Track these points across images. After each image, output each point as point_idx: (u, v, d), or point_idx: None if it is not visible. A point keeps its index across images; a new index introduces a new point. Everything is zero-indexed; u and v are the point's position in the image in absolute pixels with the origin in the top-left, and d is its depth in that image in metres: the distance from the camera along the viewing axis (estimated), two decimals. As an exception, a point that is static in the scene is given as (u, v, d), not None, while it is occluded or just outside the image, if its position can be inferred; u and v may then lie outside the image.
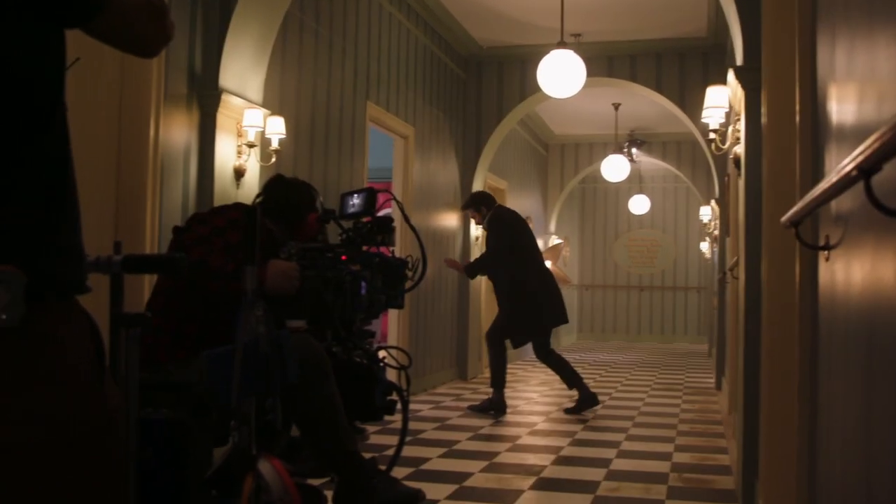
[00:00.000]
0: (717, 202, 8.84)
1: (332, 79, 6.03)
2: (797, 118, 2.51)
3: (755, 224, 3.67)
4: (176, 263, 1.79)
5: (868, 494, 1.51)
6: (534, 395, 7.93)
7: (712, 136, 5.50)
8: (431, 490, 3.79)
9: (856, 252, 1.69)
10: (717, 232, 9.31)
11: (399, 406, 3.18)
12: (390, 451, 3.75)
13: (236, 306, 2.10)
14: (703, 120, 5.62)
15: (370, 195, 3.08)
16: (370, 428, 4.51)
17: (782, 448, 2.93)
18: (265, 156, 4.83)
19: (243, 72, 4.65)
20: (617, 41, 8.84)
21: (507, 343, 6.68)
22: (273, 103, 5.08)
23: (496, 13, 8.20)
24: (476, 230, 9.33)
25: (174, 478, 1.95)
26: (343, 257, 3.01)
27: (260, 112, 4.67)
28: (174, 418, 2.00)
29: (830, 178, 1.48)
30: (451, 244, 8.86)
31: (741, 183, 4.18)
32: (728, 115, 5.43)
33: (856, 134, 1.70)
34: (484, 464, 4.64)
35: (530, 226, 7.19)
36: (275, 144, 4.85)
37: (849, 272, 1.77)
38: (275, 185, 3.15)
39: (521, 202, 11.48)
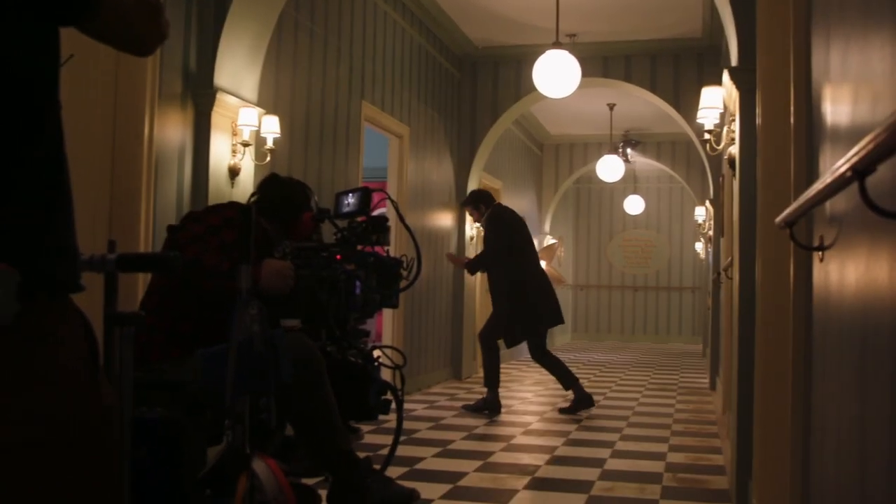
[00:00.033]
0: (712, 202, 8.86)
1: (326, 78, 6.03)
2: (792, 119, 2.51)
3: (749, 224, 3.68)
4: (170, 262, 1.78)
5: (862, 495, 1.51)
6: (528, 394, 7.94)
7: (707, 136, 5.51)
8: (426, 490, 3.79)
9: (850, 253, 1.70)
10: (711, 232, 9.32)
11: (393, 405, 3.18)
12: (385, 451, 3.75)
13: (231, 305, 2.10)
14: (698, 121, 5.63)
15: (365, 194, 3.08)
16: (364, 427, 4.51)
17: (776, 448, 2.94)
18: (260, 155, 4.82)
19: (238, 70, 4.64)
20: (612, 41, 8.86)
21: (500, 343, 6.68)
22: (268, 102, 5.08)
23: (491, 13, 8.21)
24: (471, 229, 9.33)
25: (168, 477, 1.95)
26: (338, 256, 3.01)
27: (255, 111, 4.67)
28: (168, 417, 1.99)
29: (825, 179, 1.49)
30: (446, 244, 8.86)
31: (735, 183, 4.19)
32: (723, 115, 5.43)
33: (850, 135, 1.71)
34: (478, 463, 4.64)
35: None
36: (269, 143, 4.85)
37: (843, 273, 1.77)
38: (270, 184, 3.15)
39: (515, 202, 11.48)
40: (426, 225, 8.21)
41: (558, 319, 6.64)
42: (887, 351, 1.33)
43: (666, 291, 16.34)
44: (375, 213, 3.16)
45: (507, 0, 7.84)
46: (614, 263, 16.70)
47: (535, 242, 9.29)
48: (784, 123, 2.70)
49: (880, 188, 1.30)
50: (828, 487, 1.92)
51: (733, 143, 4.42)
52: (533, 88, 7.40)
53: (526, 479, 4.30)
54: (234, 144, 4.61)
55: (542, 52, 6.67)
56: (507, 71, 9.32)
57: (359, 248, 3.11)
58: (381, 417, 3.18)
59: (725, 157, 5.05)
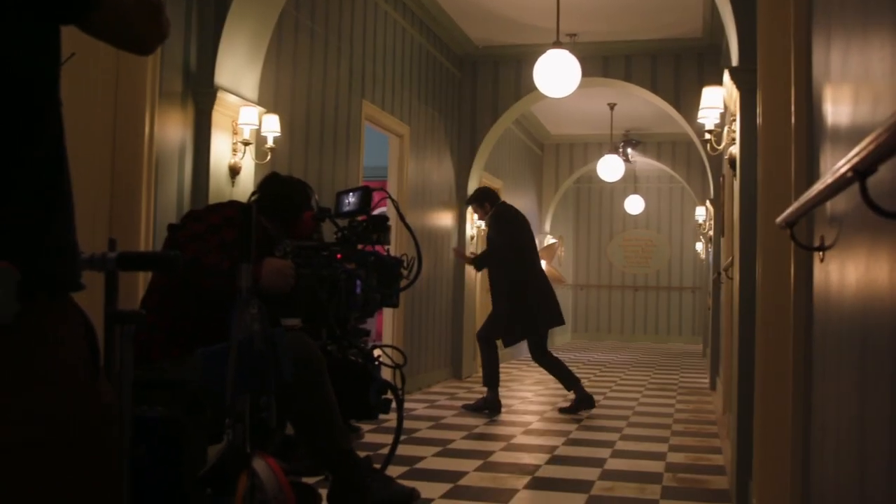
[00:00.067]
0: (712, 202, 8.86)
1: (327, 77, 6.03)
2: (792, 119, 2.51)
3: (750, 225, 3.68)
4: (171, 261, 1.78)
5: (862, 495, 1.51)
6: (528, 394, 7.94)
7: (707, 136, 5.51)
8: (426, 489, 3.79)
9: (850, 253, 1.70)
10: (711, 232, 9.32)
11: (394, 405, 3.18)
12: (385, 450, 3.75)
13: (231, 304, 2.10)
14: (699, 120, 5.62)
15: (365, 194, 3.08)
16: (365, 426, 4.51)
17: (776, 448, 2.94)
18: (260, 154, 4.82)
19: (239, 69, 4.64)
20: (612, 41, 8.85)
21: (499, 342, 6.68)
22: (268, 101, 5.08)
23: (492, 13, 8.21)
24: (471, 228, 9.33)
25: (168, 475, 1.95)
26: (338, 256, 3.01)
27: (255, 110, 4.67)
28: (169, 416, 1.99)
29: (825, 180, 1.49)
30: (447, 243, 8.86)
31: (736, 183, 4.19)
32: (723, 115, 5.43)
33: (851, 135, 1.71)
34: (478, 463, 4.64)
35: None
36: (270, 142, 4.85)
37: (843, 273, 1.77)
38: (270, 183, 3.15)
39: (516, 201, 11.43)
40: (426, 224, 8.20)
41: (558, 320, 6.63)
42: (887, 351, 1.33)
43: (666, 291, 16.34)
44: (376, 212, 3.16)
45: (508, 0, 7.84)
46: (614, 263, 16.70)
47: (536, 242, 9.29)
48: (785, 123, 2.70)
49: (881, 188, 1.30)
50: (828, 487, 1.92)
51: (734, 143, 4.41)
52: (533, 88, 7.40)
53: (526, 479, 4.30)
54: (234, 143, 4.61)
55: (543, 51, 6.67)
56: (507, 70, 9.32)
57: (359, 247, 3.11)
58: (382, 416, 3.18)
59: (726, 157, 5.05)
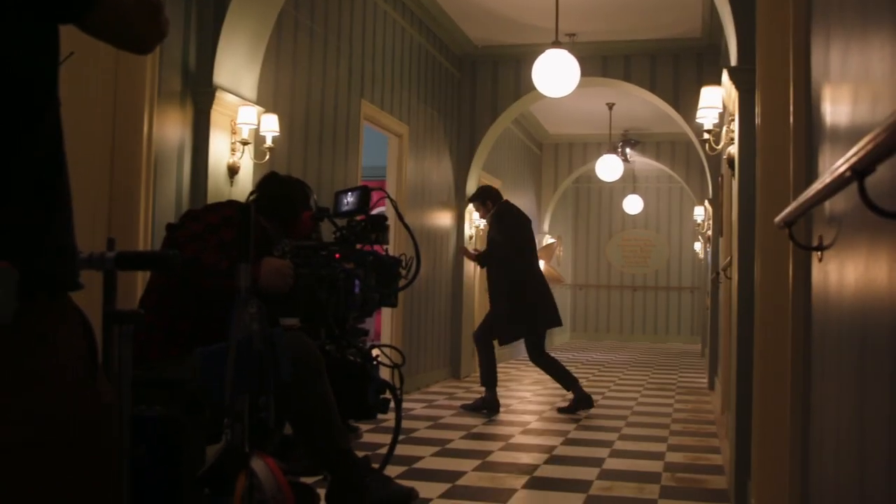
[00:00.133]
0: (711, 202, 8.86)
1: (326, 77, 6.03)
2: (791, 119, 2.52)
3: (748, 224, 3.68)
4: (169, 260, 1.78)
5: (861, 495, 1.51)
6: (527, 394, 7.94)
7: (706, 136, 5.51)
8: (424, 489, 3.79)
9: (849, 253, 1.70)
10: (710, 232, 9.32)
11: (392, 404, 3.18)
12: (383, 450, 3.75)
13: (230, 304, 2.10)
14: (698, 120, 5.63)
15: (364, 193, 3.08)
16: (363, 426, 4.51)
17: (775, 448, 2.94)
18: (259, 153, 4.82)
19: (238, 69, 4.64)
20: (611, 41, 8.85)
21: (495, 341, 6.69)
22: (267, 101, 5.08)
23: (491, 12, 8.20)
24: (470, 228, 9.33)
25: (167, 475, 1.95)
26: (337, 255, 3.01)
27: (254, 109, 4.67)
28: (167, 415, 1.99)
29: (824, 179, 1.49)
30: (446, 243, 8.86)
31: (735, 183, 4.19)
32: (722, 115, 5.43)
33: (849, 135, 1.71)
34: (477, 462, 4.64)
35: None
36: (269, 142, 4.85)
37: (842, 273, 1.77)
38: (269, 183, 3.14)
39: (515, 201, 11.42)
40: (425, 224, 8.20)
41: (556, 321, 6.64)
42: (886, 351, 1.33)
43: (665, 291, 16.35)
44: (374, 211, 3.16)
45: (507, 0, 7.84)
46: (613, 263, 16.70)
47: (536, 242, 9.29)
48: (783, 123, 2.70)
49: (879, 188, 1.30)
50: (827, 487, 1.92)
51: (732, 143, 4.42)
52: (532, 88, 7.40)
53: (524, 479, 4.30)
54: (233, 143, 4.61)
55: (542, 51, 6.67)
56: (506, 70, 9.32)
57: (358, 246, 3.11)
58: (380, 416, 3.18)
59: (725, 156, 5.05)
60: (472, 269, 9.46)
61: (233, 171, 4.60)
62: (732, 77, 3.97)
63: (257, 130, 4.75)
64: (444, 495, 3.87)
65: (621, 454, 5.01)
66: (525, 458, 4.84)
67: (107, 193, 3.61)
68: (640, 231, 16.57)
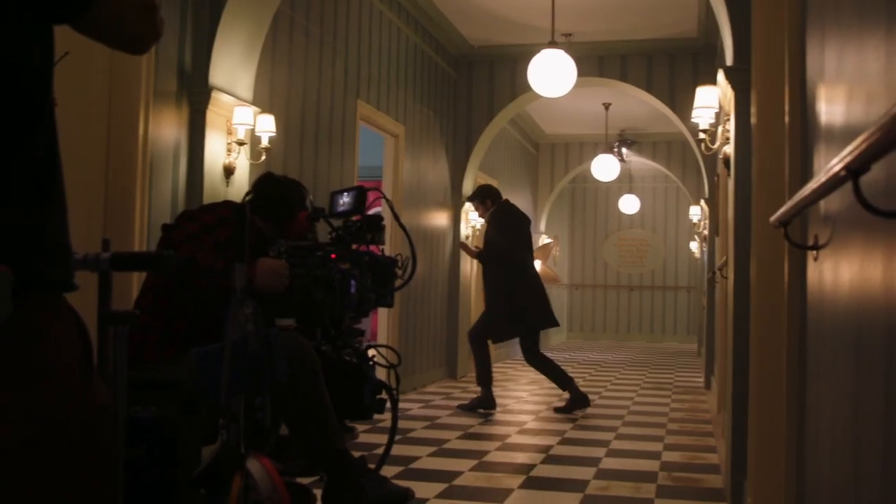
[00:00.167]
0: (707, 202, 8.86)
1: (322, 77, 6.02)
2: (786, 118, 2.52)
3: (744, 224, 3.68)
4: (164, 261, 1.78)
5: (856, 493, 1.52)
6: (523, 393, 7.94)
7: (702, 136, 5.51)
8: (421, 489, 3.79)
9: (844, 252, 1.70)
10: (706, 231, 9.33)
11: (388, 405, 3.18)
12: (380, 450, 3.75)
13: (225, 304, 2.09)
14: (693, 120, 5.63)
15: (360, 193, 3.08)
16: (359, 426, 4.51)
17: (771, 447, 2.94)
18: (255, 153, 4.82)
19: (233, 69, 4.64)
20: (607, 41, 8.86)
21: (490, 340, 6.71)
22: (263, 101, 5.07)
23: (487, 12, 8.20)
24: (466, 228, 9.33)
25: (163, 476, 1.95)
26: (333, 255, 3.01)
27: (250, 110, 4.66)
28: (163, 416, 1.99)
29: (819, 179, 1.49)
30: (442, 243, 8.86)
31: (730, 183, 4.19)
32: (718, 115, 5.44)
33: (844, 134, 1.71)
34: (473, 462, 4.64)
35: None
36: (265, 142, 4.84)
37: (837, 272, 1.78)
38: (264, 183, 3.14)
39: (512, 201, 11.48)
40: (421, 224, 8.20)
41: (552, 322, 6.65)
42: (881, 350, 1.34)
43: (661, 291, 16.36)
44: (370, 212, 3.16)
45: (503, 0, 7.85)
46: (609, 263, 16.71)
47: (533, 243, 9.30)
48: (779, 123, 2.70)
49: (874, 187, 1.30)
50: (822, 486, 1.93)
51: (728, 143, 4.42)
52: (528, 88, 7.40)
53: (521, 479, 4.30)
54: (229, 143, 4.60)
55: (538, 51, 6.67)
56: (502, 70, 9.32)
57: (354, 247, 3.11)
58: (376, 416, 3.18)
59: (720, 156, 5.06)
60: (468, 270, 9.46)
61: (229, 171, 4.59)
62: (728, 77, 3.97)
63: (253, 131, 4.75)
64: (441, 495, 3.87)
65: (618, 453, 5.01)
66: (521, 458, 4.84)
67: (102, 194, 3.60)
68: (636, 231, 16.58)
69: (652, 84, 8.96)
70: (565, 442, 5.40)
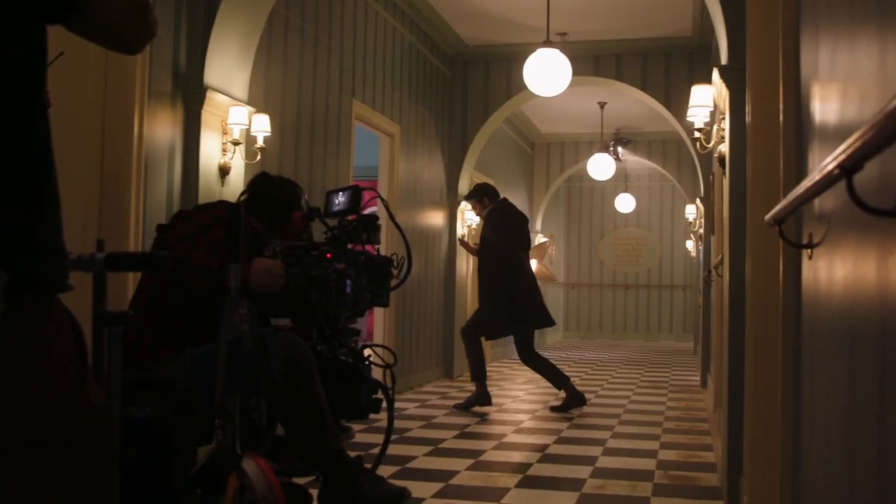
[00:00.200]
0: (703, 201, 8.88)
1: (317, 76, 6.02)
2: (781, 117, 2.52)
3: (739, 222, 3.69)
4: (159, 261, 1.78)
5: (851, 491, 1.52)
6: (520, 392, 7.95)
7: (697, 134, 5.52)
8: (417, 488, 3.79)
9: (838, 250, 1.70)
10: (702, 230, 9.35)
11: (384, 404, 3.18)
12: (376, 450, 3.75)
13: (220, 304, 2.09)
14: (688, 119, 5.64)
15: (355, 193, 3.08)
16: (355, 426, 4.51)
17: (766, 445, 2.95)
18: (250, 153, 4.81)
19: (228, 69, 4.63)
20: (603, 40, 8.87)
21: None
22: (258, 101, 5.07)
23: (482, 12, 8.21)
24: (462, 228, 9.33)
25: (158, 476, 1.94)
26: (328, 255, 3.00)
27: (245, 109, 4.66)
28: (158, 416, 1.99)
29: (813, 177, 1.49)
30: (438, 242, 8.86)
31: (725, 181, 4.20)
32: (713, 114, 5.45)
33: (838, 133, 1.71)
34: (470, 462, 4.64)
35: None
36: (260, 142, 4.84)
37: (831, 270, 1.78)
38: (260, 183, 3.14)
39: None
40: (417, 223, 8.20)
41: (548, 321, 6.65)
42: (875, 349, 1.34)
43: (657, 289, 16.38)
44: (366, 211, 3.16)
45: (498, -2, 7.85)
46: (605, 262, 16.73)
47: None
48: (773, 121, 2.71)
49: (868, 186, 1.30)
50: (818, 483, 1.93)
51: (723, 142, 4.43)
52: (524, 87, 7.40)
53: (517, 478, 4.30)
54: (224, 143, 4.60)
55: (533, 50, 6.68)
56: (497, 69, 9.32)
57: (349, 246, 3.11)
58: (373, 416, 3.18)
59: (715, 155, 5.06)
60: (464, 269, 9.47)
61: (224, 171, 4.59)
62: (723, 76, 3.98)
63: (248, 131, 4.74)
64: (437, 495, 3.87)
65: (614, 452, 5.01)
66: (518, 457, 4.84)
67: (97, 194, 3.60)
68: (632, 230, 16.60)
69: (647, 83, 8.97)
70: (562, 441, 5.40)
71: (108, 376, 1.70)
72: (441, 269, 8.96)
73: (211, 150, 4.51)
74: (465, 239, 9.21)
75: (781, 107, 2.52)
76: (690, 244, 13.77)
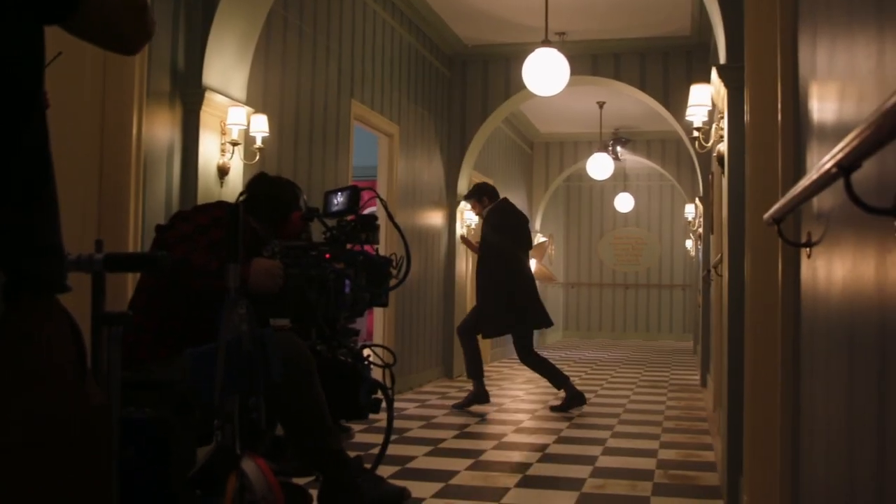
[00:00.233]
0: (702, 200, 8.88)
1: (316, 77, 6.02)
2: (779, 116, 2.52)
3: (738, 221, 3.69)
4: (158, 262, 1.78)
5: (850, 489, 1.52)
6: (519, 392, 7.95)
7: (696, 134, 5.52)
8: (417, 488, 3.79)
9: (836, 249, 1.70)
10: (701, 229, 9.35)
11: (384, 404, 3.18)
12: (375, 450, 3.75)
13: (219, 304, 2.09)
14: (687, 118, 5.64)
15: (354, 193, 3.08)
16: (355, 426, 4.51)
17: (766, 444, 2.95)
18: (249, 154, 4.81)
19: (227, 69, 4.63)
20: (601, 40, 8.87)
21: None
22: (257, 101, 5.07)
23: (481, 11, 8.21)
24: (462, 228, 9.33)
25: (157, 476, 1.94)
26: (327, 255, 3.00)
27: (244, 110, 4.66)
28: (157, 417, 1.99)
29: (811, 176, 1.49)
30: (437, 242, 8.86)
31: (724, 181, 4.20)
32: (711, 113, 5.45)
33: (836, 131, 1.71)
34: (470, 462, 4.64)
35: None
36: (259, 142, 4.84)
37: (830, 269, 1.78)
38: (258, 183, 3.14)
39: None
40: (416, 223, 8.20)
41: (546, 321, 6.65)
42: (874, 348, 1.34)
43: (657, 289, 16.38)
44: (365, 211, 3.16)
45: (497, -2, 7.85)
46: (605, 261, 16.73)
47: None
48: (772, 120, 2.71)
49: (865, 184, 1.30)
50: (817, 482, 1.93)
51: (722, 141, 4.43)
52: (522, 87, 7.40)
53: (517, 477, 4.30)
54: (222, 143, 4.60)
55: (532, 50, 6.68)
56: (496, 69, 9.32)
57: (348, 246, 3.11)
58: (372, 416, 3.18)
59: (714, 154, 5.06)
60: (463, 269, 9.47)
61: (223, 171, 4.59)
62: (721, 75, 3.98)
63: (247, 131, 4.74)
64: (437, 495, 3.87)
65: (614, 452, 5.01)
66: (518, 457, 4.84)
67: (96, 195, 3.60)
68: (631, 229, 16.60)
69: (646, 82, 8.97)
70: (561, 440, 5.40)
71: (108, 377, 1.70)
72: (440, 269, 8.96)
73: (209, 151, 4.50)
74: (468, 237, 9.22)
75: (780, 106, 2.52)
76: (690, 243, 13.77)
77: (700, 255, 9.88)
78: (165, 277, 2.63)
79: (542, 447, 5.15)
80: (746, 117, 3.26)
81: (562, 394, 6.69)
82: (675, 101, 8.67)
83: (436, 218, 8.84)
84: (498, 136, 11.38)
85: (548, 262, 14.31)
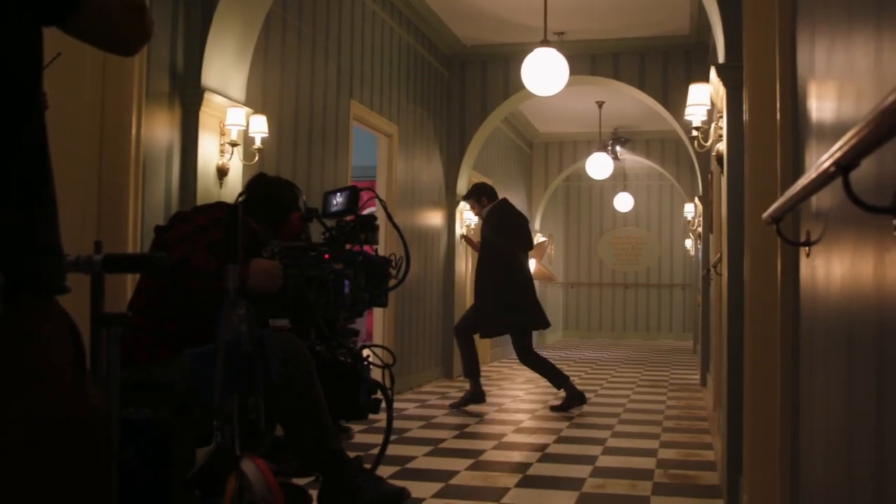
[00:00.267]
0: (701, 199, 8.88)
1: (315, 77, 6.02)
2: (778, 115, 2.52)
3: (737, 221, 3.69)
4: (157, 262, 1.78)
5: (849, 489, 1.52)
6: (519, 392, 7.95)
7: (695, 133, 5.52)
8: (417, 488, 3.79)
9: (835, 248, 1.70)
10: (700, 229, 9.35)
11: (384, 405, 3.18)
12: (375, 450, 3.75)
13: (218, 305, 2.09)
14: (686, 117, 5.64)
15: (353, 193, 3.08)
16: (355, 427, 4.50)
17: (766, 444, 2.95)
18: (248, 154, 4.81)
19: (226, 70, 4.63)
20: (600, 39, 8.87)
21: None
22: (256, 102, 5.07)
23: (480, 11, 8.21)
24: (461, 228, 9.33)
25: (156, 477, 1.94)
26: (326, 256, 3.00)
27: (243, 110, 4.66)
28: (156, 418, 1.99)
29: (810, 175, 1.49)
30: (437, 242, 8.86)
31: (723, 180, 4.20)
32: (710, 112, 5.45)
33: (835, 130, 1.71)
34: (469, 462, 4.64)
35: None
36: (258, 143, 4.84)
37: (829, 268, 1.78)
38: (258, 184, 3.14)
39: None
40: (415, 224, 8.20)
41: (543, 322, 6.66)
42: (872, 347, 1.34)
43: (656, 288, 16.38)
44: (364, 212, 3.16)
45: (496, -2, 7.85)
46: (604, 261, 16.73)
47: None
48: (770, 120, 2.71)
49: (864, 183, 1.30)
50: (817, 482, 1.93)
51: (721, 140, 4.43)
52: (522, 86, 7.40)
53: (517, 477, 4.30)
54: (222, 144, 4.60)
55: (531, 50, 6.68)
56: (495, 69, 9.32)
57: (347, 247, 3.10)
58: (372, 417, 3.18)
59: (713, 153, 5.06)
60: (463, 269, 9.47)
61: (222, 172, 4.59)
62: (720, 74, 3.98)
63: (246, 132, 4.74)
64: (437, 495, 3.87)
65: (614, 451, 5.01)
66: (518, 457, 4.84)
67: (95, 196, 3.60)
68: (631, 229, 16.61)
69: (645, 82, 8.97)
70: (561, 440, 5.40)
71: (107, 378, 1.70)
72: (440, 270, 8.96)
73: (209, 152, 4.51)
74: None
75: (778, 105, 2.52)
76: (689, 243, 13.78)
77: (699, 254, 9.89)
78: (165, 278, 2.63)
79: (542, 447, 5.15)
80: (745, 116, 3.26)
81: (562, 393, 6.69)
82: (675, 101, 8.67)
83: (435, 218, 8.84)
84: (497, 136, 11.38)
85: (547, 262, 14.31)
